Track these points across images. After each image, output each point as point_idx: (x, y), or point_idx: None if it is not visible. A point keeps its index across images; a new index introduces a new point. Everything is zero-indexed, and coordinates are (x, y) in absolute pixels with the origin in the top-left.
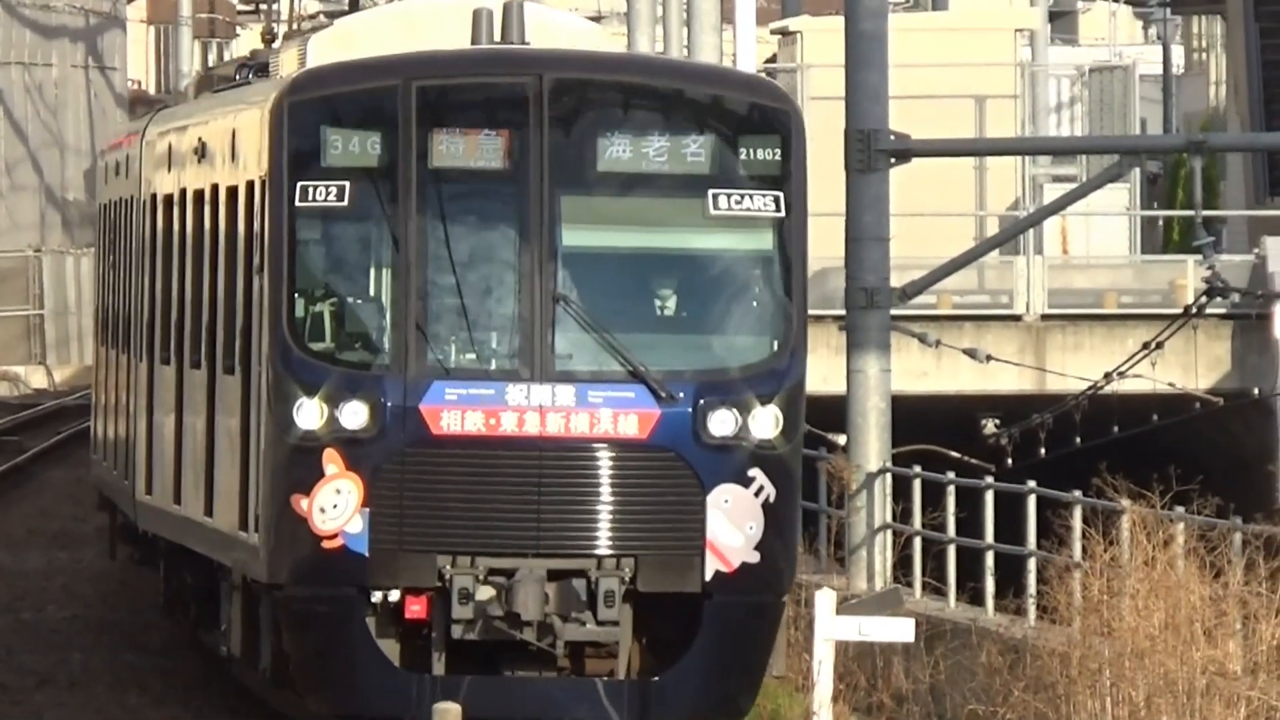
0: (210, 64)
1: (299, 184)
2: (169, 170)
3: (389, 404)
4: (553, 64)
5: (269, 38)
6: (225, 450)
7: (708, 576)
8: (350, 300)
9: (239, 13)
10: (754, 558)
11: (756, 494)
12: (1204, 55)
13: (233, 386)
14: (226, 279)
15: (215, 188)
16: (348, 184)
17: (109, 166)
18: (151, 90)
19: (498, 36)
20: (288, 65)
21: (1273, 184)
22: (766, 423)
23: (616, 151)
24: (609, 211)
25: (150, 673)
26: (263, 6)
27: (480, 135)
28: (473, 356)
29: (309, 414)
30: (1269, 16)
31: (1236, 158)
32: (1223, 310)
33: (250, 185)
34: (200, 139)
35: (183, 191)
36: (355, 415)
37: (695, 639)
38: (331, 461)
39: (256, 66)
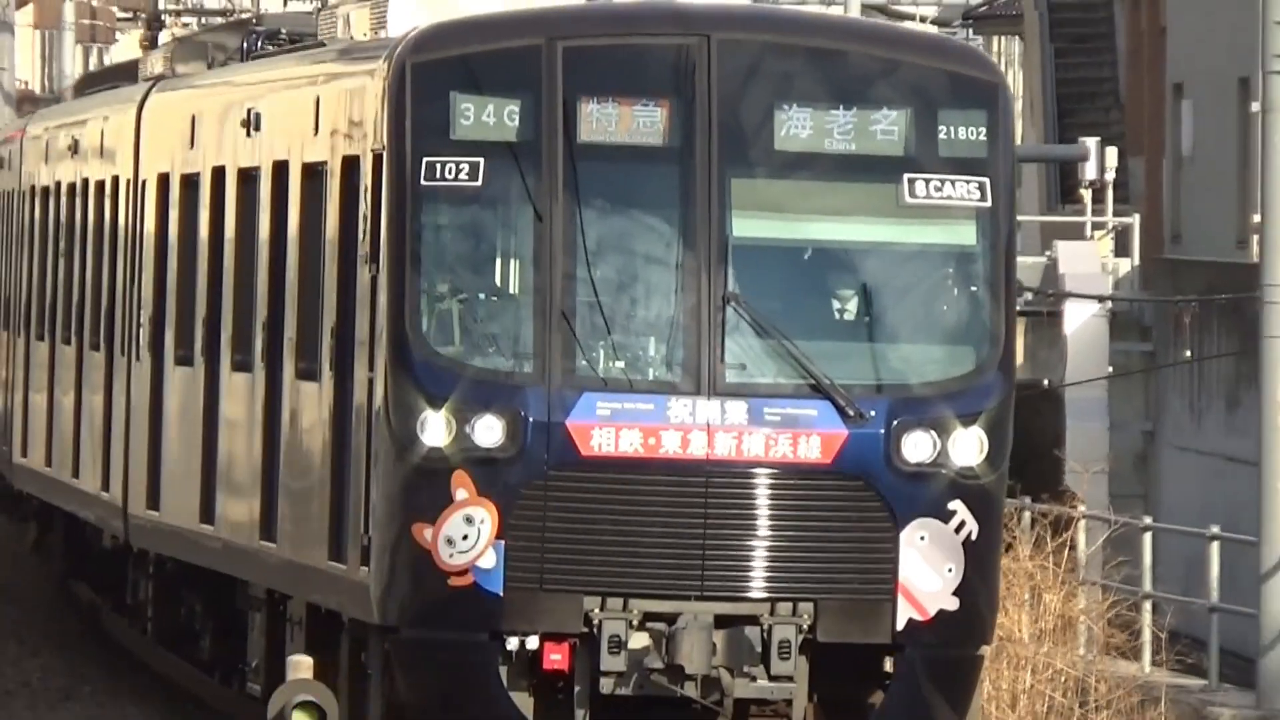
0: (90, 67)
1: (425, 160)
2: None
3: (531, 419)
4: (722, 23)
5: (146, 44)
6: (298, 468)
7: (899, 625)
8: (484, 297)
9: (118, 20)
10: (953, 604)
11: (957, 530)
12: (1004, 73)
13: (313, 395)
14: (306, 271)
15: (304, 164)
16: (481, 160)
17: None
18: (37, 90)
19: None
20: (359, 26)
21: (1064, 193)
22: (969, 447)
23: (796, 127)
24: (787, 197)
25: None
26: (140, 15)
27: (636, 105)
28: (628, 365)
29: (435, 429)
30: (1063, 38)
31: (1031, 168)
32: (1018, 308)
33: (350, 161)
34: (254, 111)
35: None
36: (490, 431)
37: (884, 698)
38: (461, 485)
39: (267, 34)
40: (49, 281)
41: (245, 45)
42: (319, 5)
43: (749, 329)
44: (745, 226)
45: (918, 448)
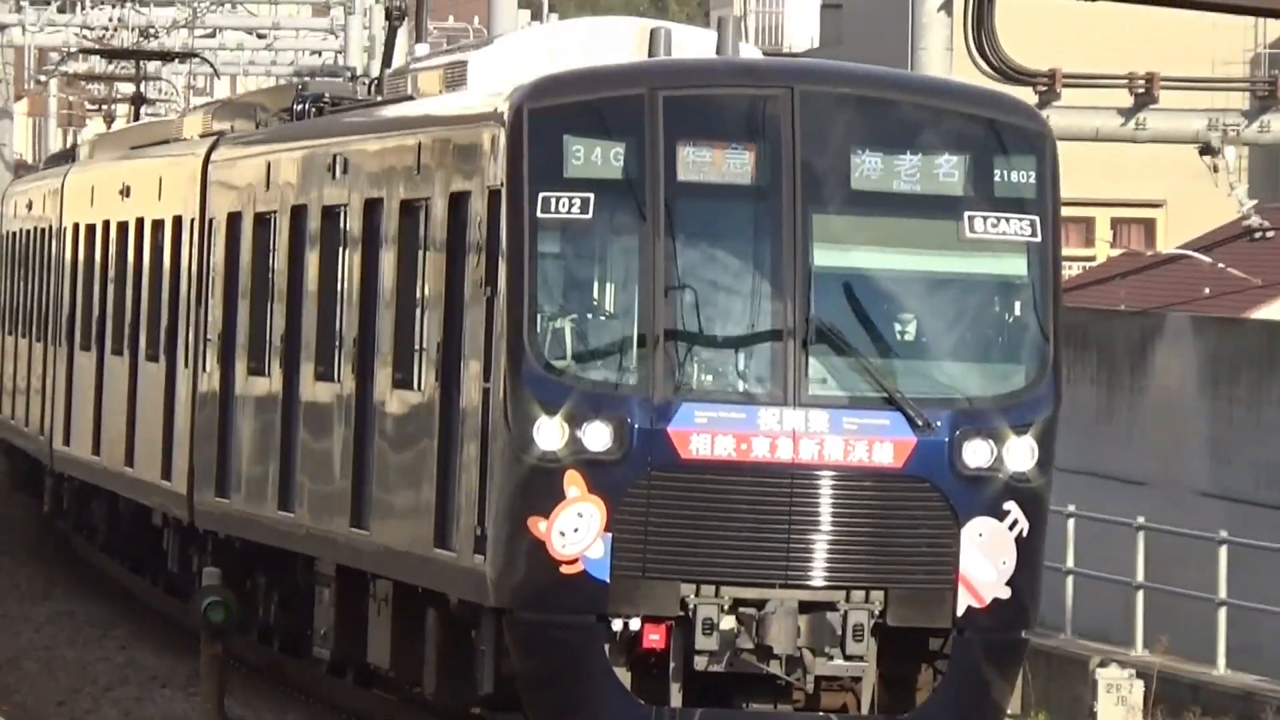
0: (68, 143)
1: (540, 195)
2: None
3: (636, 425)
4: (803, 76)
5: (109, 120)
6: (397, 466)
7: (959, 612)
8: (593, 316)
9: (87, 110)
10: (1005, 593)
11: (1010, 527)
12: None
13: (411, 403)
14: (401, 292)
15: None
16: (591, 196)
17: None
18: (29, 160)
19: (673, 54)
20: (428, 86)
21: None
22: (1022, 454)
23: (868, 169)
24: (861, 231)
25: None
26: (104, 108)
27: (727, 149)
28: (722, 378)
29: (549, 434)
30: None
31: None
32: None
33: (457, 197)
34: (341, 157)
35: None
36: (599, 436)
37: (945, 676)
38: (573, 484)
39: (313, 98)
40: (95, 303)
41: (297, 107)
42: (349, 74)
43: (829, 348)
44: (825, 257)
45: (977, 454)
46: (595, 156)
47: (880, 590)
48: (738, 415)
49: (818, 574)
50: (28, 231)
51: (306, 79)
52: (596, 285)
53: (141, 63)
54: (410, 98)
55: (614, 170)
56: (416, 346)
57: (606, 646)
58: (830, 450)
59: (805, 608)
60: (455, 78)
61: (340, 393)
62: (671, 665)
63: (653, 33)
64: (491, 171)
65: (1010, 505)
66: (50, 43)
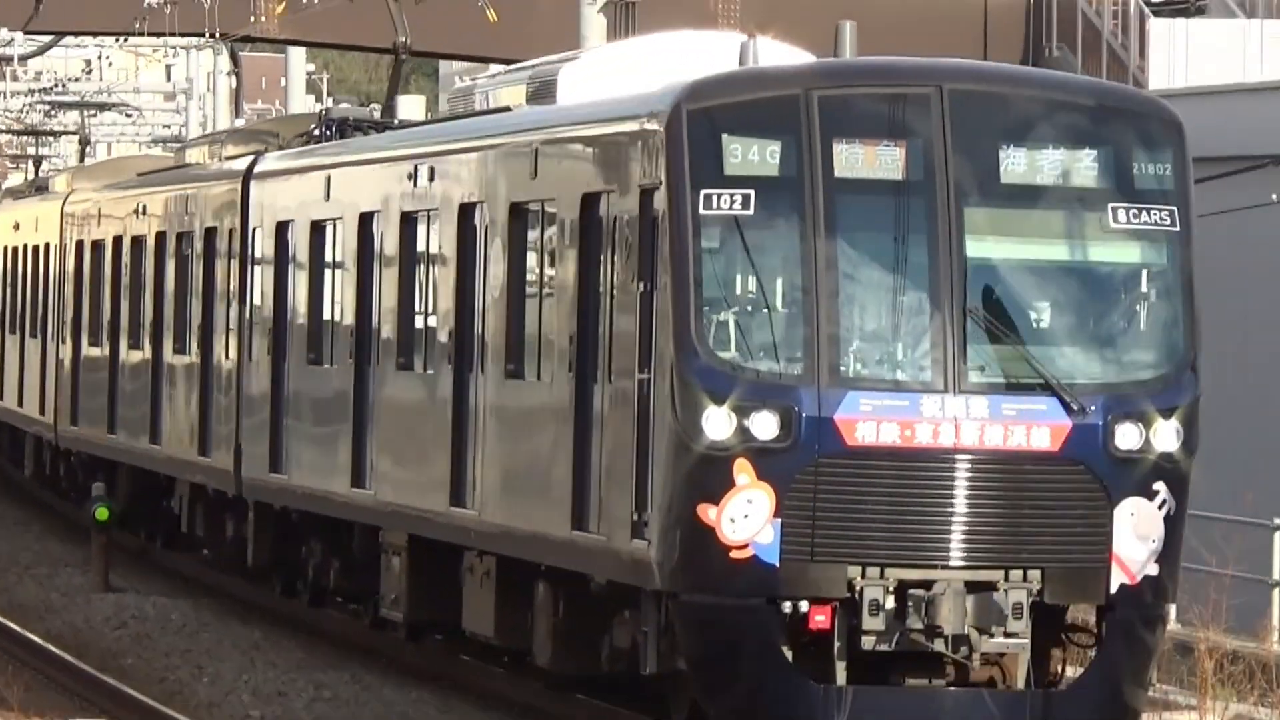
0: None
1: (702, 192)
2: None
3: (804, 414)
4: (952, 75)
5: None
6: (521, 453)
7: (1113, 589)
8: (756, 309)
9: (8, 167)
10: (1154, 570)
11: (1160, 507)
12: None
13: (536, 393)
14: (511, 289)
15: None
16: (752, 192)
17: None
18: None
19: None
20: (509, 98)
21: None
22: (1169, 436)
23: (1015, 164)
24: (1011, 224)
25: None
26: (22, 165)
27: (879, 145)
28: (885, 367)
29: (718, 423)
30: None
31: None
32: None
33: (590, 198)
34: (428, 167)
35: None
36: (766, 425)
37: (1098, 651)
38: (743, 471)
39: (339, 121)
40: (118, 308)
41: (323, 130)
42: (359, 101)
43: (986, 336)
44: (978, 248)
45: (1128, 437)
46: (753, 154)
47: (1038, 569)
48: (901, 403)
49: (979, 555)
50: (95, 243)
51: (329, 105)
52: (758, 278)
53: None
54: (482, 112)
55: (771, 167)
56: (537, 338)
57: (775, 628)
58: (990, 435)
59: (970, 588)
60: (543, 89)
61: (434, 382)
62: (836, 645)
63: (742, 45)
64: (643, 171)
65: (1159, 486)
66: None
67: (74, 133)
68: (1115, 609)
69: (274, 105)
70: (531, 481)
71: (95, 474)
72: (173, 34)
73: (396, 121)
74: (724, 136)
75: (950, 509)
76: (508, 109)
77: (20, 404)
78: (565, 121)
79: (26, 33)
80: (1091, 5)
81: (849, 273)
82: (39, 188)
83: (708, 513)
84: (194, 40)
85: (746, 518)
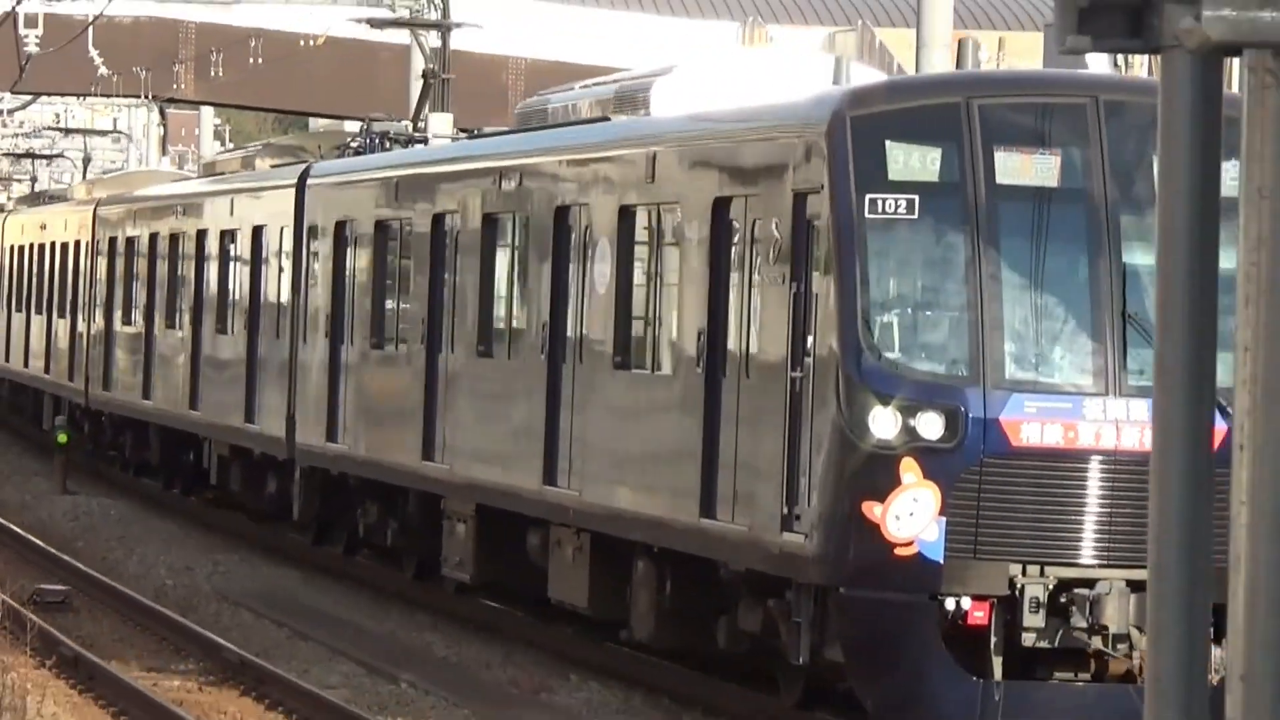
0: None
1: (867, 196)
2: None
3: (970, 415)
4: (1107, 87)
5: (50, 193)
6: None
7: None
8: (922, 311)
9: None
10: None
11: None
12: None
13: (656, 386)
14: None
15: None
16: (915, 198)
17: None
18: None
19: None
20: (593, 111)
21: None
22: None
23: None
24: None
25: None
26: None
27: (1035, 153)
28: (1048, 370)
29: (884, 423)
30: None
31: None
32: None
33: (721, 201)
34: (517, 173)
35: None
36: (932, 425)
37: None
38: (909, 470)
39: (380, 134)
40: (153, 292)
41: (365, 142)
42: (385, 117)
43: (1144, 341)
44: (1133, 255)
45: None
46: (915, 160)
47: None
48: (1064, 405)
49: (1138, 554)
50: (130, 239)
51: (371, 120)
52: (922, 281)
53: (35, 161)
54: (558, 125)
55: (933, 173)
56: (654, 333)
57: (936, 623)
58: (1149, 438)
59: (1131, 587)
60: (634, 102)
61: (508, 369)
62: (993, 640)
63: (836, 61)
64: (798, 176)
65: None
66: None
67: (63, 156)
68: None
69: (190, 148)
70: (646, 469)
71: (123, 432)
72: (118, 95)
73: (430, 135)
74: (887, 142)
75: (1110, 509)
76: (606, 119)
77: (47, 370)
78: (682, 130)
79: (13, 92)
80: None
81: (1011, 277)
82: (52, 197)
83: (872, 509)
84: (133, 100)
85: (912, 515)
